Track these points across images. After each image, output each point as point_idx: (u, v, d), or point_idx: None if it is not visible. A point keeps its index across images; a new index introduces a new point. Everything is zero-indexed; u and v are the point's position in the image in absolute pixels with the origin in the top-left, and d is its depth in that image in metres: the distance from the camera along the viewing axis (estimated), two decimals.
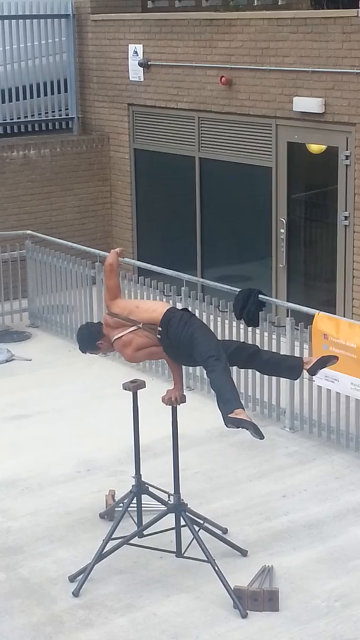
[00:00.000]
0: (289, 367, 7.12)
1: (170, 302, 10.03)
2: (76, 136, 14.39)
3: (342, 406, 8.89)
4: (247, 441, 8.89)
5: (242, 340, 9.46)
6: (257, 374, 9.27)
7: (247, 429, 6.35)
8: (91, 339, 7.06)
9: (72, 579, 6.91)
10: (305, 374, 7.20)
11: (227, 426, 6.41)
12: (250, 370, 9.24)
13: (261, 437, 6.40)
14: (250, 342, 9.62)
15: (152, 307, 6.98)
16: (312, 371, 7.05)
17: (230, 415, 6.37)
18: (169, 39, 12.91)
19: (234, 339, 9.76)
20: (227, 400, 6.46)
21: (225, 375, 6.57)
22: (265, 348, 9.45)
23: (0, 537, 7.54)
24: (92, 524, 7.67)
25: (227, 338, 9.70)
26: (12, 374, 10.97)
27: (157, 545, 7.10)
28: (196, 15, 12.87)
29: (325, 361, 7.05)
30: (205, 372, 6.80)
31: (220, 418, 6.46)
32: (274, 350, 9.21)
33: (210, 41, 12.29)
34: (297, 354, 9.14)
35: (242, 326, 9.75)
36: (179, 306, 9.64)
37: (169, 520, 7.01)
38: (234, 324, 9.83)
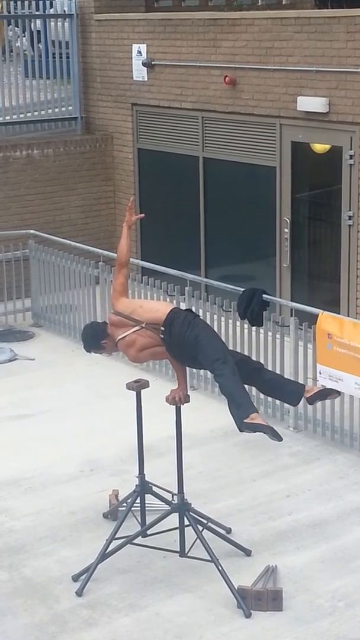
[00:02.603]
0: (290, 393, 7.00)
1: (174, 301, 10.02)
2: (80, 136, 14.39)
3: (346, 406, 8.88)
4: (250, 441, 8.87)
5: (246, 353, 9.41)
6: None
7: (264, 433, 6.33)
8: (96, 338, 7.04)
9: (75, 578, 6.90)
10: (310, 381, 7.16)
11: (241, 431, 6.38)
12: None
13: (279, 439, 6.39)
14: (254, 342, 9.62)
15: (156, 307, 6.97)
16: (311, 400, 6.96)
17: (246, 421, 6.33)
18: (172, 38, 12.90)
19: (238, 339, 9.76)
20: (240, 405, 6.40)
21: (234, 378, 6.50)
22: (269, 349, 9.45)
23: (3, 537, 7.54)
24: (96, 524, 7.66)
25: (230, 340, 9.70)
26: (15, 373, 10.97)
27: (161, 545, 7.08)
28: (200, 15, 12.85)
29: (327, 394, 7.02)
30: (210, 373, 6.73)
31: (224, 418, 6.46)
32: (279, 350, 9.20)
33: (214, 41, 12.27)
34: (300, 354, 9.13)
35: (246, 326, 9.74)
36: (183, 306, 9.63)
37: (173, 519, 7.00)
38: (238, 323, 9.81)
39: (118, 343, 6.91)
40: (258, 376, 6.96)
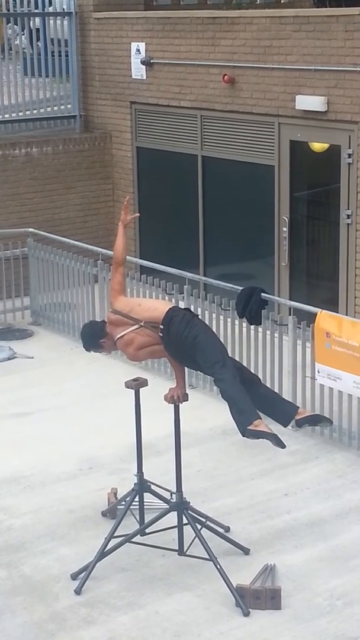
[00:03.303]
0: (281, 412, 6.87)
1: (173, 300, 10.02)
2: (78, 134, 14.39)
3: (344, 404, 8.88)
4: (249, 440, 8.87)
5: (245, 352, 9.38)
6: (259, 369, 9.27)
7: (268, 440, 6.33)
8: (94, 337, 7.04)
9: (74, 576, 6.91)
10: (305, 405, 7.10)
11: (244, 436, 6.38)
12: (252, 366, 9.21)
13: (283, 446, 6.39)
14: (252, 341, 9.62)
15: (154, 305, 6.96)
16: (300, 423, 6.84)
17: (249, 428, 6.32)
18: (171, 37, 12.90)
19: (237, 338, 9.77)
20: (243, 411, 6.37)
21: (235, 384, 6.46)
22: (268, 347, 9.45)
23: (3, 535, 7.55)
24: (94, 522, 7.67)
25: (229, 339, 9.70)
26: (14, 371, 10.97)
27: (159, 544, 7.09)
28: (199, 14, 12.86)
29: (318, 420, 6.95)
30: (210, 376, 6.67)
31: (223, 416, 6.47)
32: (277, 349, 9.19)
33: (212, 39, 12.28)
34: (299, 353, 9.14)
35: (244, 325, 9.75)
36: (182, 305, 9.63)
37: (171, 518, 7.00)
38: (237, 322, 9.82)
39: (117, 342, 6.90)
40: (252, 388, 6.78)
